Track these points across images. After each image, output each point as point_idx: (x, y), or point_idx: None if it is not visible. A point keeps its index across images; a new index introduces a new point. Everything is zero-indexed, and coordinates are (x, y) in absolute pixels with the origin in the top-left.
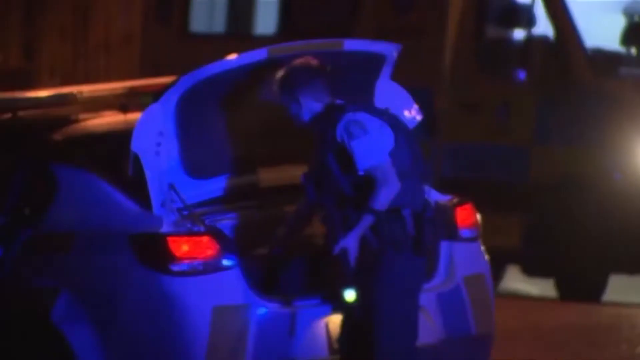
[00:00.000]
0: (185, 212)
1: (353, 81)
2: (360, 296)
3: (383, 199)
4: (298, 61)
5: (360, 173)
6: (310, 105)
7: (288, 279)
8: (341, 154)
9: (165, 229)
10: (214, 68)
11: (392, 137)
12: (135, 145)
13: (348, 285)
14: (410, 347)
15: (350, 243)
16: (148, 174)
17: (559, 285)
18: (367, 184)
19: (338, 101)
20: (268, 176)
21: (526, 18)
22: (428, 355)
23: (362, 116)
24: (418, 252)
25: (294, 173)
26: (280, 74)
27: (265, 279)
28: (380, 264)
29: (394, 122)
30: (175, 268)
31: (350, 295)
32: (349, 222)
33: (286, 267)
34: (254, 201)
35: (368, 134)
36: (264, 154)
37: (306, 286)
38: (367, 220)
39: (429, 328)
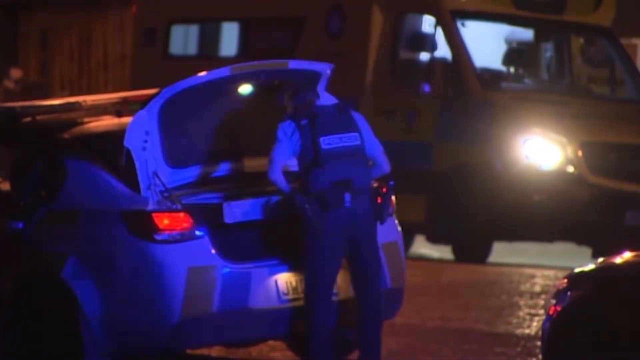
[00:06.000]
0: (166, 194)
1: None
2: None
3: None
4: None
5: None
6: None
7: (246, 245)
8: None
9: (150, 207)
10: (188, 82)
11: (299, 143)
12: (127, 142)
13: None
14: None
15: None
16: (137, 164)
17: (455, 250)
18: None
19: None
20: (231, 166)
21: (430, 44)
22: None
23: (282, 126)
24: (316, 226)
25: (252, 163)
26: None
27: (228, 245)
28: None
29: (308, 126)
30: (158, 237)
31: None
32: None
33: (245, 236)
34: (220, 185)
35: (276, 142)
36: (229, 148)
37: (260, 251)
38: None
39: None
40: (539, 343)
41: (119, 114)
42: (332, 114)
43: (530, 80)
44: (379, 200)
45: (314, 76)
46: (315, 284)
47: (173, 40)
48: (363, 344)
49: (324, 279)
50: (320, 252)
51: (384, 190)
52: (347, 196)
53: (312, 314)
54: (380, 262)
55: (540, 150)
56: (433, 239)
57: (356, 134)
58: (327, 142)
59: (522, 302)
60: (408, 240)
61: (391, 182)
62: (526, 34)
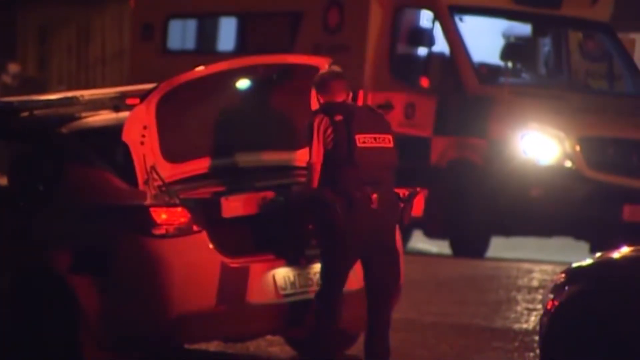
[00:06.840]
0: (164, 189)
1: (295, 86)
2: None
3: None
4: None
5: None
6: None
7: (244, 240)
8: None
9: (148, 201)
10: (186, 76)
11: (331, 138)
12: (125, 137)
13: None
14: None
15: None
16: (134, 158)
17: (452, 245)
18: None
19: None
20: (229, 160)
21: (428, 39)
22: (354, 297)
23: (315, 121)
24: (340, 224)
25: (250, 158)
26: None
27: (226, 240)
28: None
29: (343, 122)
30: (156, 232)
31: None
32: None
33: (242, 231)
34: (218, 179)
35: (312, 144)
36: (227, 142)
37: (258, 246)
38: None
39: (354, 277)
40: (536, 338)
41: (116, 109)
42: (366, 113)
43: (528, 75)
44: (402, 205)
45: (312, 70)
46: (332, 281)
47: (171, 35)
48: (373, 336)
49: (340, 277)
50: (340, 249)
51: (409, 194)
52: (375, 197)
53: (324, 309)
54: (399, 263)
55: (538, 145)
56: (431, 233)
57: (390, 137)
58: (362, 140)
59: (519, 297)
60: (406, 235)
61: (419, 189)
62: (524, 28)
